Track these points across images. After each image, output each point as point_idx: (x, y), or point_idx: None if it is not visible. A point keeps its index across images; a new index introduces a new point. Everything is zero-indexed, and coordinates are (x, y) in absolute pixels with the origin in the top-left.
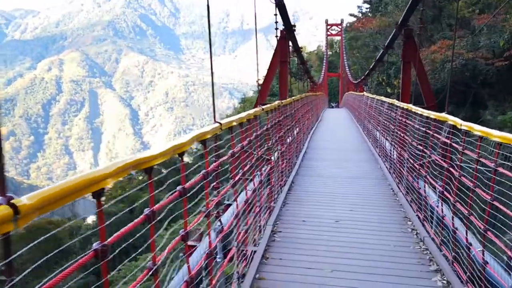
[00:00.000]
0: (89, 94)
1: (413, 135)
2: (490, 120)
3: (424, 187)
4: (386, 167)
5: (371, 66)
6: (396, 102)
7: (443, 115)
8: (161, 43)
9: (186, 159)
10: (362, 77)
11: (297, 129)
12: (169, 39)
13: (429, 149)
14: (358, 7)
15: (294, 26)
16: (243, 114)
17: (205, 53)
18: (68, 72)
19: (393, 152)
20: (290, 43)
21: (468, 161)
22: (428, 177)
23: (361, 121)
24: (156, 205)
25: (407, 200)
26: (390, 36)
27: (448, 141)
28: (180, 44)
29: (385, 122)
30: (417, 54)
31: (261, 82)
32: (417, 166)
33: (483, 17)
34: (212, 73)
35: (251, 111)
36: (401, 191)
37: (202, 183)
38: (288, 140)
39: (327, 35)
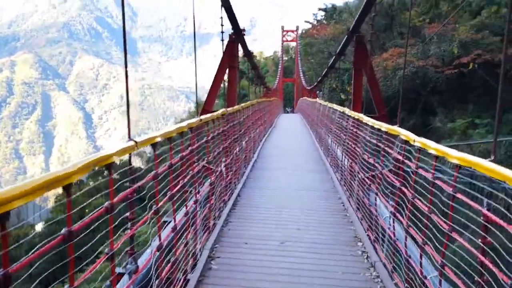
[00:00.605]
0: (42, 96)
1: (364, 146)
2: (440, 128)
3: (375, 203)
4: (337, 178)
5: (323, 73)
6: (347, 110)
7: (395, 129)
8: (117, 46)
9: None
10: (316, 83)
11: (247, 137)
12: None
13: (381, 163)
14: (314, 14)
15: (244, 30)
16: (172, 128)
17: (161, 57)
18: (20, 74)
19: (344, 162)
20: (240, 48)
21: (422, 181)
22: (379, 194)
23: (314, 128)
24: (75, 226)
25: (357, 217)
26: (342, 42)
27: (400, 157)
28: (137, 47)
29: (337, 131)
30: (368, 61)
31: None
32: (367, 181)
33: (433, 26)
34: (127, 93)
35: (184, 123)
36: (351, 206)
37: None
38: (236, 151)
39: (283, 41)
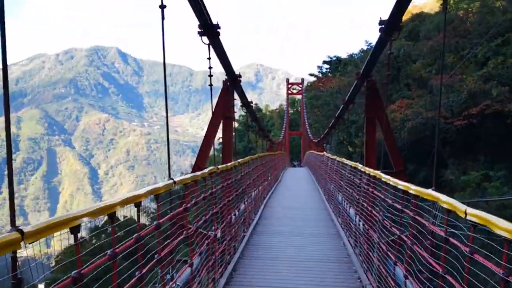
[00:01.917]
0: (47, 152)
1: (384, 211)
2: (452, 180)
3: (405, 282)
4: (351, 244)
5: (330, 124)
6: (359, 166)
7: (430, 193)
8: (124, 101)
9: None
10: (322, 136)
11: (246, 198)
12: (132, 97)
13: (409, 237)
14: (318, 67)
15: (240, 76)
16: (125, 196)
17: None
18: (26, 129)
19: (359, 225)
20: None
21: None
22: (410, 278)
23: (321, 183)
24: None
25: None
26: (351, 89)
27: (442, 234)
28: (143, 102)
29: (348, 188)
30: (382, 108)
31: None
32: (392, 256)
33: (440, 77)
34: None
35: (150, 187)
36: (371, 284)
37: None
38: (231, 215)
39: (288, 94)
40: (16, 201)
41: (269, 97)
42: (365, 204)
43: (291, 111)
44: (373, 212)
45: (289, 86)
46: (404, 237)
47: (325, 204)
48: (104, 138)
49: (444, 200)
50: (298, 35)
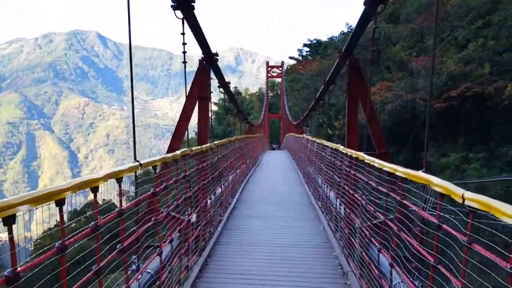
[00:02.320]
0: (27, 136)
1: (368, 194)
2: (432, 162)
3: (391, 273)
4: (331, 228)
5: (310, 106)
6: (340, 147)
7: (423, 176)
8: (103, 85)
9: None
10: (302, 118)
11: (224, 181)
12: (112, 81)
13: (396, 222)
14: (299, 50)
15: (216, 54)
16: (77, 181)
17: (147, 95)
18: (5, 113)
19: (340, 209)
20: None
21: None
22: (396, 266)
23: (301, 166)
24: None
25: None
26: (332, 69)
27: (435, 220)
28: (123, 85)
29: (328, 171)
30: (365, 87)
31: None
32: (376, 243)
33: (420, 59)
34: None
35: (109, 170)
36: (353, 271)
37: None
38: (206, 200)
39: (268, 77)
40: None
41: (249, 80)
42: (346, 187)
43: (271, 94)
44: (355, 195)
45: (269, 69)
46: (389, 223)
47: (304, 187)
48: (84, 122)
49: (437, 183)
50: (298, 34)
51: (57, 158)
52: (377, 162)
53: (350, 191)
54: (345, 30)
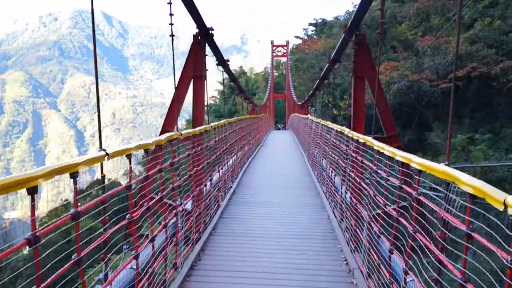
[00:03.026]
0: (33, 115)
1: (377, 185)
2: (438, 143)
3: (405, 281)
4: (336, 216)
5: (315, 86)
6: (346, 130)
7: (448, 171)
8: (109, 64)
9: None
10: (307, 98)
11: (221, 166)
12: (117, 59)
13: (412, 223)
14: (304, 29)
15: (212, 29)
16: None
17: (153, 74)
18: (11, 92)
19: (345, 197)
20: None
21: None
22: (413, 276)
23: (306, 148)
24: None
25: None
26: (337, 46)
27: (465, 228)
28: (128, 65)
29: (333, 155)
30: (373, 66)
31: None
32: (386, 242)
33: (426, 39)
34: None
35: (66, 162)
36: (360, 269)
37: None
38: (203, 186)
39: (273, 56)
40: (1, 164)
41: (255, 60)
42: (352, 175)
43: (276, 74)
44: (362, 184)
45: (274, 48)
46: (403, 221)
47: (308, 170)
48: (90, 101)
49: (467, 181)
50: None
51: (64, 137)
52: (387, 149)
53: (357, 178)
54: (351, 10)
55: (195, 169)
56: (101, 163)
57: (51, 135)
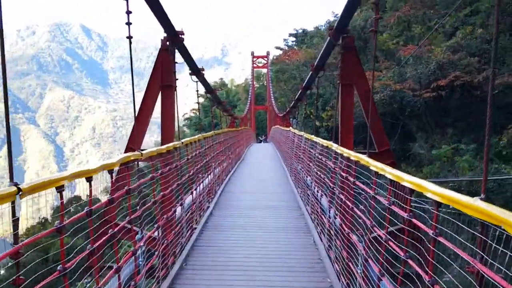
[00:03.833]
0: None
1: (374, 213)
2: (421, 154)
3: None
4: (323, 243)
5: (296, 96)
6: (334, 146)
7: (483, 207)
8: (88, 77)
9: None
10: (288, 109)
11: (196, 185)
12: (97, 73)
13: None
14: (284, 40)
15: (182, 33)
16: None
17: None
18: None
19: (334, 222)
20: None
21: None
22: None
23: (288, 162)
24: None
25: None
26: (321, 51)
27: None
28: (108, 78)
29: (319, 173)
30: (363, 73)
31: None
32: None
33: (408, 48)
34: None
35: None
36: None
37: None
38: (177, 210)
39: (253, 67)
40: None
41: (236, 72)
42: (342, 197)
43: (257, 85)
44: (356, 210)
45: (254, 59)
46: (418, 268)
47: (291, 187)
48: (69, 116)
49: (500, 214)
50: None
51: (43, 153)
52: (389, 171)
53: (348, 203)
54: (332, 19)
55: (161, 193)
56: (13, 205)
57: (30, 151)
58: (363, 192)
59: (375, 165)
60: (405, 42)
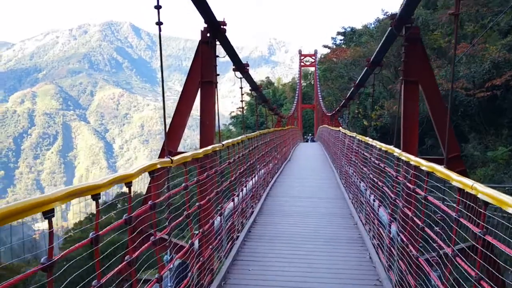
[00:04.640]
0: (63, 127)
1: (450, 231)
2: (476, 156)
3: None
4: (382, 262)
5: (348, 94)
6: (396, 151)
7: None
8: (137, 76)
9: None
10: (338, 108)
11: (240, 189)
12: (146, 71)
13: None
14: (332, 38)
15: (224, 24)
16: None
17: (181, 86)
18: (41, 105)
19: (397, 240)
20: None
21: None
22: None
23: (337, 164)
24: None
25: None
26: (382, 41)
27: None
28: (157, 76)
29: (375, 179)
30: (430, 69)
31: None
32: None
33: (461, 46)
34: None
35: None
36: None
37: None
38: (213, 222)
39: (301, 66)
40: (32, 175)
41: (283, 71)
42: (408, 213)
43: (304, 84)
44: (429, 232)
45: (302, 58)
46: None
47: (342, 192)
48: (119, 113)
49: None
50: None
51: (93, 149)
52: (483, 190)
53: (418, 221)
54: (381, 17)
55: (197, 203)
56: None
57: (81, 147)
58: (439, 212)
59: (461, 181)
60: (458, 41)
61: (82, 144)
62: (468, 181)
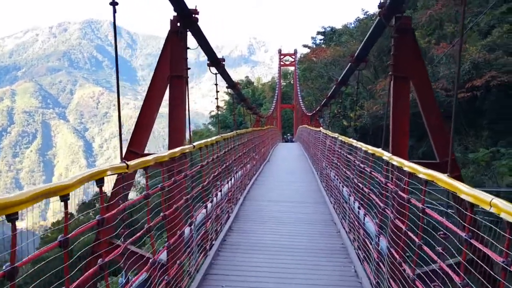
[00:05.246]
0: (42, 125)
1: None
2: (456, 157)
3: None
4: (369, 277)
5: (329, 94)
6: (385, 154)
7: None
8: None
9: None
10: (318, 108)
11: (214, 193)
12: (126, 70)
13: None
14: (312, 38)
15: (196, 12)
16: None
17: None
18: (21, 102)
19: (385, 253)
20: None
21: None
22: None
23: (318, 166)
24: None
25: None
26: (368, 34)
27: None
28: (137, 75)
29: (360, 184)
30: (423, 65)
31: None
32: None
33: (440, 47)
34: None
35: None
36: None
37: None
38: (182, 233)
39: (280, 65)
40: (11, 174)
41: (262, 70)
42: (402, 226)
43: (283, 84)
44: (429, 252)
45: (282, 57)
46: None
47: (323, 196)
48: (99, 111)
49: None
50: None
51: (72, 147)
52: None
53: (415, 238)
54: (361, 16)
55: (162, 214)
56: None
57: (60, 145)
58: (442, 229)
59: (474, 195)
60: (437, 41)
61: (61, 143)
62: (486, 196)
